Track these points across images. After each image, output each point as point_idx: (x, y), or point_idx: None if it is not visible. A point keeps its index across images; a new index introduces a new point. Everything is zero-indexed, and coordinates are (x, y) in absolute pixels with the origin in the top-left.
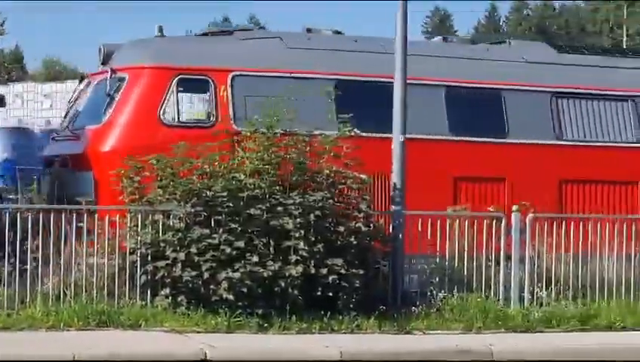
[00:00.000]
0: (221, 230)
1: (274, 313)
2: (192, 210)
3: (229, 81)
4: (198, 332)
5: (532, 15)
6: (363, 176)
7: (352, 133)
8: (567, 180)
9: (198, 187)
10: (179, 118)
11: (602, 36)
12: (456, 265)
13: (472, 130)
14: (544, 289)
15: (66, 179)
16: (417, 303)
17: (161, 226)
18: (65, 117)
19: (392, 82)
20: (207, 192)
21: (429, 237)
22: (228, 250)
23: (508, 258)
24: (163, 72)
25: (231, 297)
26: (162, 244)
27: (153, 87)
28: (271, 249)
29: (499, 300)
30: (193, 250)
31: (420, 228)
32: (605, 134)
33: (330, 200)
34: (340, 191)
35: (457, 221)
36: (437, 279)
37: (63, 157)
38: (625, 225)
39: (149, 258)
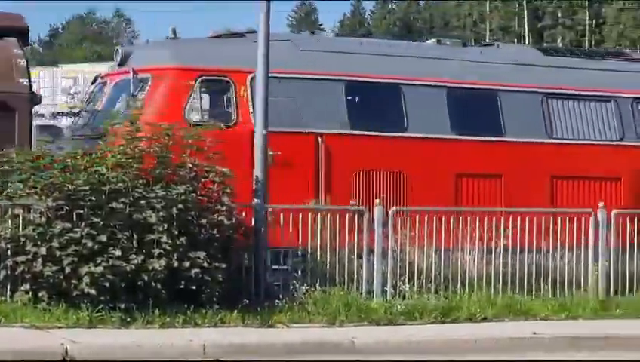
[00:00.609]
0: (83, 224)
1: (137, 307)
2: (54, 204)
3: (248, 82)
4: (60, 327)
5: (397, 9)
6: (225, 170)
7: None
8: (558, 176)
9: (59, 181)
10: (202, 118)
11: (466, 30)
12: (318, 258)
13: (471, 130)
14: (407, 282)
15: None
16: (280, 296)
17: (21, 221)
18: (78, 115)
19: (389, 82)
20: (69, 186)
21: (291, 231)
22: (90, 244)
23: (371, 251)
24: (186, 73)
25: (93, 292)
26: (22, 239)
27: (177, 88)
28: (134, 243)
29: (362, 294)
30: (55, 244)
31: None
32: (591, 133)
33: (193, 194)
34: (204, 184)
35: (319, 214)
36: (300, 272)
37: None
38: (494, 219)
39: (9, 253)
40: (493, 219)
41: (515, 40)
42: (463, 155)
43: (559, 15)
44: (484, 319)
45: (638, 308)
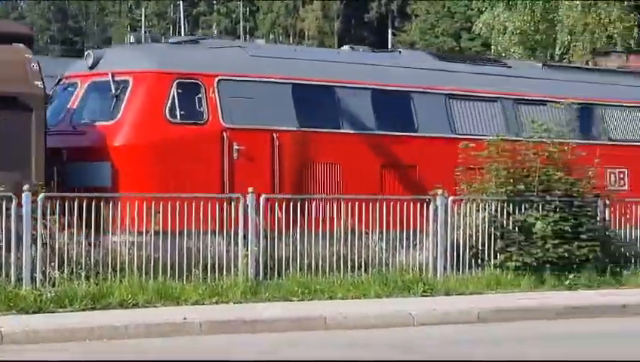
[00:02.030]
0: None
1: None
2: None
3: (215, 84)
4: None
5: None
6: None
7: None
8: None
9: None
10: (179, 117)
11: (122, 16)
12: None
13: (391, 126)
14: (57, 269)
15: (77, 170)
16: None
17: None
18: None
19: (335, 85)
20: None
21: None
22: None
23: (20, 239)
24: (165, 76)
25: None
26: None
27: (157, 90)
28: None
29: (11, 281)
30: None
31: None
32: (484, 129)
33: None
34: None
35: None
36: None
37: (69, 150)
38: (144, 204)
39: None
40: (144, 203)
41: (171, 26)
42: (386, 149)
43: (214, 2)
44: (136, 305)
45: (287, 291)
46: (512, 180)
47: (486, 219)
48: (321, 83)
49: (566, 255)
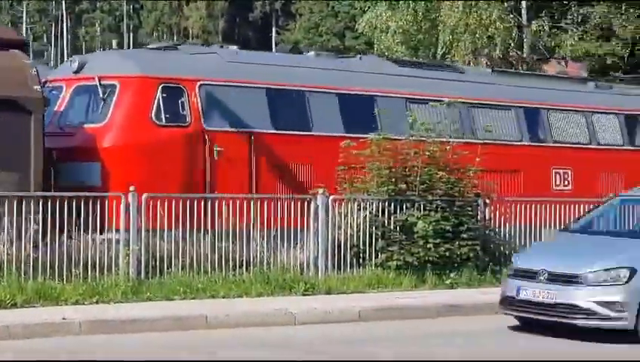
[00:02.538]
0: None
1: None
2: None
3: (197, 89)
4: None
5: None
6: None
7: None
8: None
9: None
10: (164, 120)
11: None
12: None
13: (358, 129)
14: None
15: (67, 170)
16: None
17: None
18: None
19: (306, 90)
20: None
21: None
22: None
23: None
24: (151, 81)
25: None
26: None
27: (144, 94)
28: None
29: None
30: None
31: None
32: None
33: None
34: None
35: None
36: None
37: (59, 151)
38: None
39: None
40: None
41: (53, 23)
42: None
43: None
44: (15, 305)
45: (169, 290)
46: (393, 179)
47: (367, 219)
48: (293, 88)
49: (447, 254)
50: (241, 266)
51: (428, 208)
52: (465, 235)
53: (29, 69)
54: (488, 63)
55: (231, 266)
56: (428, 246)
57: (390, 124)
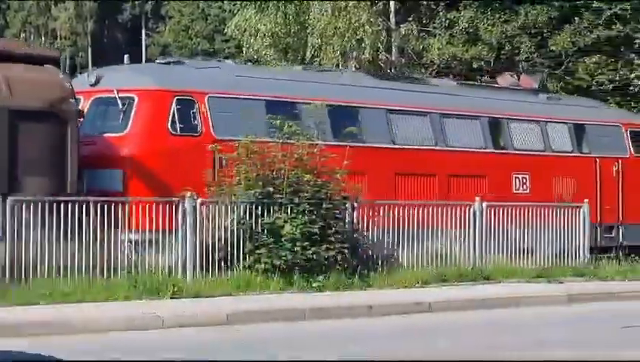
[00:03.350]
0: None
1: None
2: None
3: (206, 101)
4: None
5: None
6: None
7: None
8: (401, 173)
9: None
10: (179, 130)
11: None
12: None
13: (345, 137)
14: None
15: (91, 176)
16: None
17: None
18: None
19: (294, 101)
20: None
21: None
22: None
23: None
24: (166, 93)
25: None
26: None
27: (161, 106)
28: None
29: None
30: None
31: None
32: (417, 140)
33: None
34: None
35: None
36: None
37: (83, 158)
38: None
39: None
40: None
41: None
42: (340, 157)
43: None
44: None
45: (35, 294)
46: (261, 183)
47: (235, 222)
48: (289, 100)
49: (315, 257)
50: (109, 270)
51: (295, 211)
52: (332, 238)
53: (64, 83)
54: (357, 66)
55: (98, 270)
56: (295, 249)
57: (369, 131)
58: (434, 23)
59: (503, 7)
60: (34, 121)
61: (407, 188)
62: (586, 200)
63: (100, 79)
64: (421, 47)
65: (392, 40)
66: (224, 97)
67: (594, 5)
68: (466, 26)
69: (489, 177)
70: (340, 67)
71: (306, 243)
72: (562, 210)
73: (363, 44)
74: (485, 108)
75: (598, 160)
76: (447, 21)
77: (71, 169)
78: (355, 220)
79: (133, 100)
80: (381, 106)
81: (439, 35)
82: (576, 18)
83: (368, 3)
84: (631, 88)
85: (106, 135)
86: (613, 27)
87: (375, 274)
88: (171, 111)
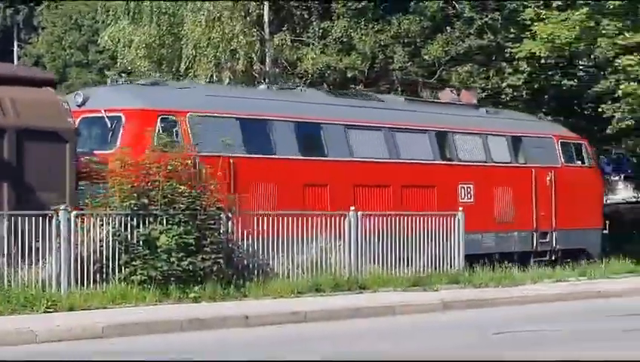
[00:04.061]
0: None
1: None
2: None
3: (187, 119)
4: None
5: None
6: None
7: None
8: (359, 185)
9: None
10: (164, 145)
11: None
12: None
13: (312, 152)
14: None
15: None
16: None
17: None
18: None
19: (264, 118)
20: None
21: None
22: None
23: None
24: (151, 113)
25: None
26: None
27: (146, 124)
28: None
29: None
30: None
31: None
32: (375, 152)
33: None
34: None
35: None
36: None
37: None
38: None
39: None
40: None
41: None
42: (309, 170)
43: None
44: None
45: None
46: (136, 194)
47: (110, 234)
48: (259, 117)
49: (190, 268)
50: None
51: (171, 222)
52: (208, 249)
53: (62, 103)
54: (231, 77)
55: None
56: (171, 260)
57: (332, 146)
58: (308, 32)
59: (376, 17)
60: (38, 140)
61: (365, 199)
62: (460, 208)
63: (87, 100)
64: (295, 56)
65: (266, 50)
66: (201, 115)
67: (465, 15)
68: (340, 35)
69: (438, 187)
70: (214, 78)
71: (182, 253)
72: (438, 218)
73: (237, 55)
74: (432, 123)
75: (533, 170)
76: (321, 31)
77: (69, 184)
78: (230, 230)
79: (121, 119)
80: (340, 122)
81: (313, 44)
82: (448, 28)
83: (242, 14)
84: (502, 97)
85: (96, 152)
86: (485, 36)
87: (251, 284)
88: (156, 129)
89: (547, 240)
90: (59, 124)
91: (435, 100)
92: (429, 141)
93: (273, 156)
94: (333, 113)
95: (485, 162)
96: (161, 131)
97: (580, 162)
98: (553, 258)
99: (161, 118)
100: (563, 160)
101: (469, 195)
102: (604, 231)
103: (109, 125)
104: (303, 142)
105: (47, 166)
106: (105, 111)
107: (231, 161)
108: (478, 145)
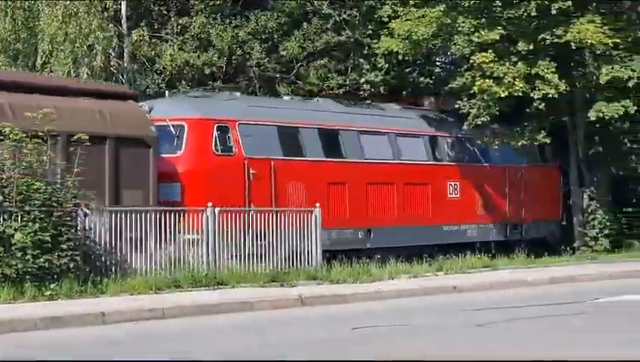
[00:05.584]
0: None
1: None
2: None
3: (237, 127)
4: None
5: None
6: None
7: None
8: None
9: None
10: (220, 151)
11: None
12: None
13: (332, 154)
14: None
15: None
16: None
17: None
18: None
19: (302, 127)
20: None
21: None
22: None
23: None
24: (209, 122)
25: None
26: None
27: (206, 132)
28: None
29: None
30: None
31: None
32: (379, 154)
33: None
34: None
35: None
36: None
37: None
38: None
39: None
40: None
41: None
42: (330, 171)
43: None
44: None
45: None
46: None
47: None
48: (292, 125)
49: (47, 265)
50: None
51: (26, 219)
52: (65, 246)
53: (146, 115)
54: (89, 73)
55: None
56: (27, 257)
57: (347, 149)
58: (166, 28)
59: (234, 13)
60: (128, 146)
61: (376, 195)
62: (317, 204)
63: (152, 109)
64: (153, 53)
65: (124, 46)
66: (248, 123)
67: (323, 12)
68: (198, 31)
69: (432, 185)
70: (72, 73)
71: (37, 251)
72: (296, 214)
73: (94, 51)
74: (425, 128)
75: (507, 169)
76: (179, 27)
77: (152, 184)
78: (87, 227)
79: (184, 127)
80: (354, 129)
81: (171, 41)
82: (305, 24)
83: (99, 9)
84: (361, 93)
85: (163, 156)
86: (343, 33)
87: (109, 280)
88: (213, 136)
89: (518, 230)
90: (144, 132)
91: (425, 108)
92: (424, 145)
93: (304, 158)
94: (348, 120)
95: (469, 163)
96: (217, 138)
97: (543, 162)
98: (522, 246)
99: (217, 126)
100: (529, 160)
101: (455, 191)
102: (563, 223)
103: (174, 132)
104: (326, 146)
105: (137, 168)
106: (169, 120)
107: (272, 163)
108: (464, 148)
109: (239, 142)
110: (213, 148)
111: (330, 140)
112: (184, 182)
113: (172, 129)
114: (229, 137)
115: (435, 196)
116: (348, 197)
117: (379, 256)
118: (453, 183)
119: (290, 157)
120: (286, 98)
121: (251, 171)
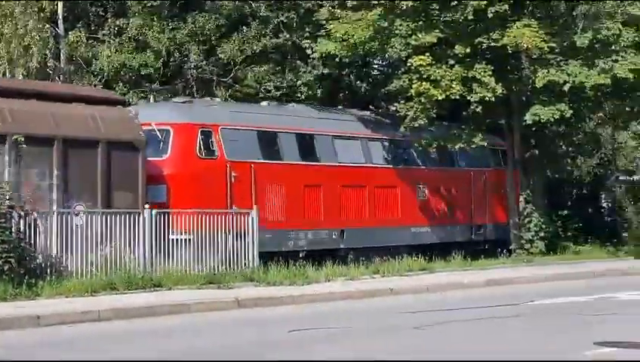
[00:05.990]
0: None
1: None
2: None
3: (220, 132)
4: None
5: None
6: None
7: None
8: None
9: None
10: (203, 154)
11: None
12: None
13: (308, 157)
14: None
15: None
16: None
17: None
18: None
19: (281, 131)
20: None
21: None
22: None
23: None
24: (194, 126)
25: None
26: None
27: (191, 136)
28: None
29: None
30: None
31: None
32: (351, 158)
33: None
34: None
35: None
36: None
37: None
38: None
39: None
40: None
41: None
42: (304, 173)
43: None
44: None
45: None
46: None
47: None
48: (270, 130)
49: None
50: None
51: None
52: None
53: (135, 119)
54: (24, 74)
55: None
56: None
57: (321, 153)
58: (103, 30)
59: (172, 15)
60: (119, 150)
61: (349, 197)
62: (255, 205)
63: (137, 115)
64: (90, 54)
65: (61, 47)
66: (229, 128)
67: (261, 14)
68: (135, 33)
69: (400, 187)
70: (7, 74)
71: None
72: (233, 216)
73: (30, 51)
74: (395, 134)
75: (472, 172)
76: (117, 28)
77: (141, 186)
78: (22, 229)
79: (170, 132)
80: (328, 133)
81: (109, 42)
82: (244, 27)
83: (35, 9)
84: (298, 95)
85: (150, 159)
86: (281, 35)
87: (44, 283)
88: (198, 140)
89: (481, 231)
90: (134, 136)
91: (394, 114)
92: (393, 149)
93: (281, 162)
94: (323, 125)
95: (437, 167)
96: (201, 142)
97: (504, 165)
98: (486, 246)
99: (201, 131)
100: (491, 164)
101: (424, 194)
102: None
103: (160, 136)
104: (302, 150)
105: (127, 171)
106: (154, 124)
107: (252, 166)
108: (432, 153)
109: (222, 146)
110: (198, 152)
111: (306, 144)
112: (170, 184)
113: (158, 133)
114: (212, 141)
115: (404, 199)
116: (323, 199)
117: (352, 257)
118: (421, 186)
119: (268, 161)
120: (264, 104)
121: (233, 174)
